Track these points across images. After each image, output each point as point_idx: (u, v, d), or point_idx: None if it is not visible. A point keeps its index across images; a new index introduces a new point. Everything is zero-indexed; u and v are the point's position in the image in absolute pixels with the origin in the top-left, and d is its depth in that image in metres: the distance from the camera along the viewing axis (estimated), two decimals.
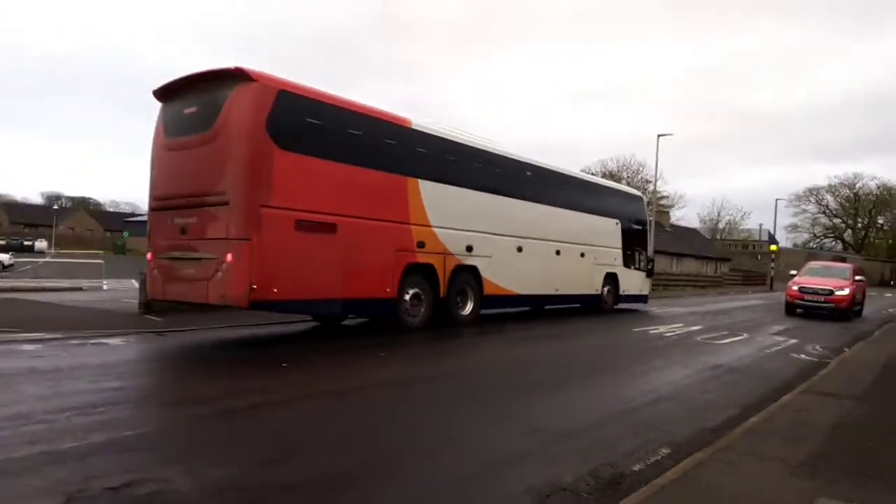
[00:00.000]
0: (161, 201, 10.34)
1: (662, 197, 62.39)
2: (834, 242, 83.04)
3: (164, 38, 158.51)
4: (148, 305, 12.94)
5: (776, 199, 73.81)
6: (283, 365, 8.37)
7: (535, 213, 15.05)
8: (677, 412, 6.77)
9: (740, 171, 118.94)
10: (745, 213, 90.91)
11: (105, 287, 21.29)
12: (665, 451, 5.35)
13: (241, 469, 4.36)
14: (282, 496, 3.96)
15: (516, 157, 14.95)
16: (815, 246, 79.89)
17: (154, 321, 12.03)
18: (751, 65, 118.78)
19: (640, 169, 65.46)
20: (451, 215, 12.50)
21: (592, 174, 50.15)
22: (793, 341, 13.28)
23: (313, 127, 10.02)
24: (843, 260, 68.84)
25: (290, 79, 9.93)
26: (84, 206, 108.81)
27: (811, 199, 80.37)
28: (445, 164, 12.65)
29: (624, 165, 67.80)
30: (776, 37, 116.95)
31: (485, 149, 13.97)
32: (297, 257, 9.53)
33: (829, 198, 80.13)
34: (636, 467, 4.89)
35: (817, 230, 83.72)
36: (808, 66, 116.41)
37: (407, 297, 11.67)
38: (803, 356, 11.42)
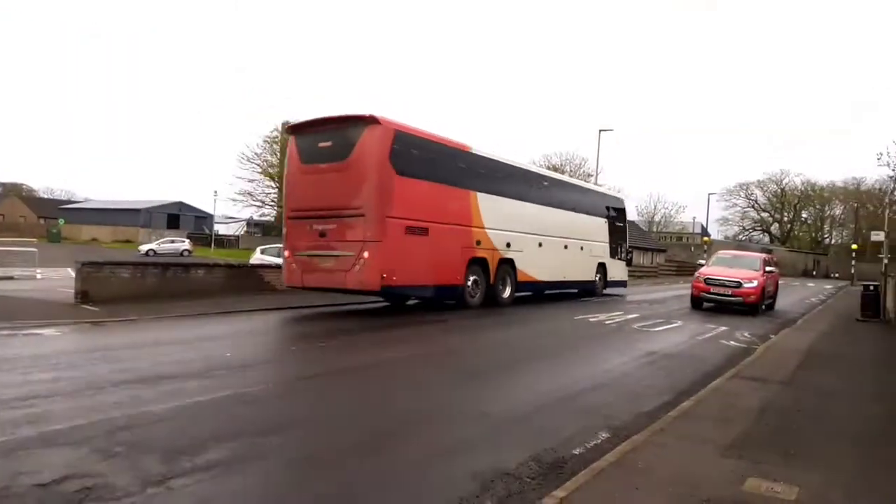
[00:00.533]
0: (299, 212, 13.26)
1: None
2: (762, 235, 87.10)
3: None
4: (85, 294, 12.41)
5: (709, 194, 77.90)
6: (227, 355, 8.20)
7: (549, 215, 18.42)
8: (616, 398, 7.00)
9: (678, 164, 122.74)
10: (679, 206, 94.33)
11: (39, 276, 20.23)
12: (604, 434, 5.53)
13: (176, 465, 4.25)
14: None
15: (536, 170, 19.81)
16: (744, 238, 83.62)
17: (91, 311, 11.55)
18: (682, 63, 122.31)
19: (583, 163, 66.94)
20: (497, 219, 15.69)
21: (538, 167, 54.70)
22: (723, 328, 13.91)
23: (414, 156, 13.14)
24: (769, 252, 72.40)
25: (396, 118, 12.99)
26: (16, 192, 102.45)
27: (741, 193, 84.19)
28: (492, 179, 15.92)
29: (567, 160, 69.14)
30: (728, 36, 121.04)
31: (516, 165, 17.53)
32: (407, 254, 12.67)
33: (757, 193, 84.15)
34: (577, 451, 5.04)
35: (746, 223, 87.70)
36: (725, 64, 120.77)
37: (469, 283, 14.74)
38: (732, 343, 11.98)
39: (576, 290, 20.66)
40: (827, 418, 6.33)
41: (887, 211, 44.96)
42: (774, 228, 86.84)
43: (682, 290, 26.41)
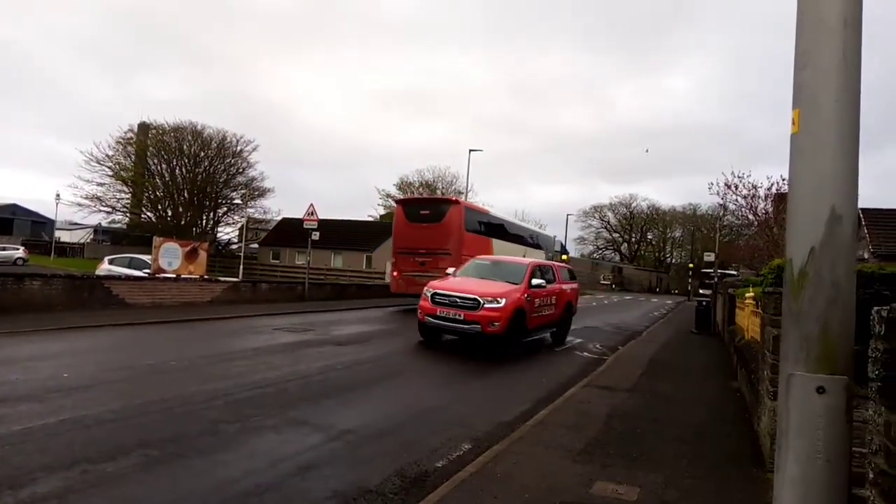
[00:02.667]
0: (405, 250, 21.28)
1: None
2: (613, 254, 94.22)
3: None
4: None
5: (567, 214, 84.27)
6: (64, 375, 7.38)
7: (523, 251, 25.91)
8: (480, 409, 7.20)
9: (540, 185, 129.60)
10: (541, 224, 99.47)
11: None
12: (466, 445, 5.66)
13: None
14: None
15: (518, 223, 29.91)
16: (598, 257, 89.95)
17: None
18: (553, 87, 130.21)
19: (454, 180, 68.87)
20: (500, 253, 21.77)
21: (409, 184, 65.41)
22: (577, 340, 14.84)
23: (472, 220, 21.96)
24: (619, 271, 78.32)
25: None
26: None
27: (595, 215, 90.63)
28: (500, 230, 24.94)
29: (439, 176, 70.75)
30: (575, 64, 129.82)
31: (508, 220, 27.38)
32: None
33: (609, 214, 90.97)
34: (440, 463, 5.12)
35: (600, 243, 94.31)
36: (596, 94, 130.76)
37: None
38: (586, 354, 12.81)
39: None
40: (664, 422, 6.93)
41: (718, 234, 50.52)
42: (624, 248, 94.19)
43: None
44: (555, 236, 44.00)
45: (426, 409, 6.97)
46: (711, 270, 61.37)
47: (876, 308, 1.79)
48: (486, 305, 11.55)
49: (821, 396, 1.82)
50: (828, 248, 1.86)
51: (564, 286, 14.89)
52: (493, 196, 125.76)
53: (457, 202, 21.80)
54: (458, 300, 11.79)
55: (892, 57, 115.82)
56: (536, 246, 30.28)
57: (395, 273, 21.44)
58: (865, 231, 26.21)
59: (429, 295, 12.30)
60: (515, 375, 9.76)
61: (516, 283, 12.54)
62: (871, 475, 1.82)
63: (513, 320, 11.63)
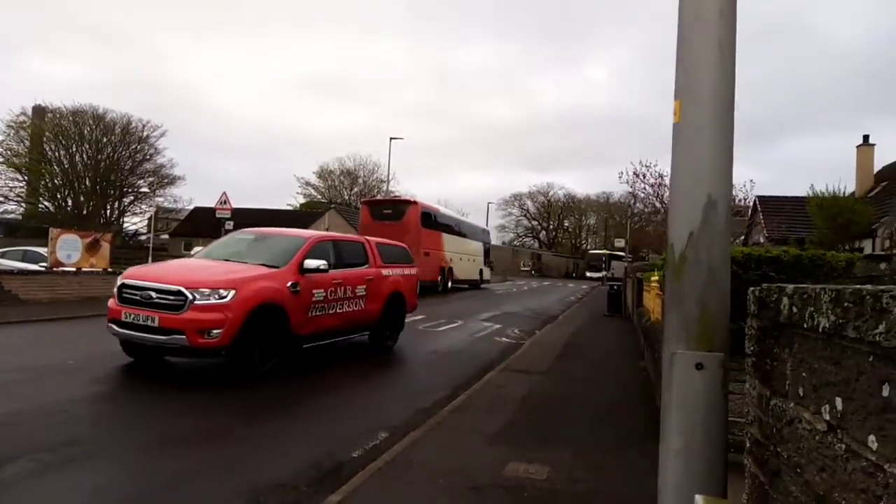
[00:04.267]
0: None
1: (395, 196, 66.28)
2: (532, 241, 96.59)
3: None
4: None
5: (488, 203, 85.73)
6: None
7: (463, 243, 31.31)
8: (397, 397, 7.22)
9: (462, 174, 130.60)
10: (463, 213, 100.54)
11: None
12: (384, 434, 5.67)
13: None
14: None
15: (457, 216, 34.28)
16: (518, 244, 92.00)
17: None
18: (477, 77, 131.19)
19: (376, 169, 68.35)
20: (448, 246, 28.32)
21: (330, 172, 68.62)
22: (497, 326, 15.14)
23: (427, 218, 26.01)
24: (538, 258, 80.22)
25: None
26: None
27: (516, 203, 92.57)
28: (447, 227, 29.20)
29: (361, 164, 70.06)
30: (497, 53, 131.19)
31: (455, 217, 33.04)
32: (424, 265, 21.97)
33: (529, 203, 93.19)
34: (355, 454, 5.09)
35: (520, 230, 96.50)
36: (519, 83, 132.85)
37: (440, 278, 27.04)
38: (504, 339, 13.09)
39: (466, 285, 32.01)
40: (575, 402, 7.20)
41: (629, 222, 52.79)
42: (542, 235, 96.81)
43: (464, 292, 28.27)
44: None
45: (347, 398, 6.89)
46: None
47: (751, 289, 1.92)
48: (199, 302, 7.24)
49: (699, 372, 1.94)
50: (704, 233, 1.98)
51: (388, 271, 10.86)
52: (415, 184, 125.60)
53: (415, 203, 26.21)
54: (155, 295, 7.44)
55: (777, 57, 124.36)
56: (481, 240, 35.90)
57: None
58: (761, 217, 28.17)
59: (115, 289, 8.01)
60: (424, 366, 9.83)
61: (277, 267, 8.39)
62: (747, 444, 1.96)
63: (250, 324, 7.47)
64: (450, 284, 28.29)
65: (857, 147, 26.21)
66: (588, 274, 66.98)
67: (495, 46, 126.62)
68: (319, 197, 69.24)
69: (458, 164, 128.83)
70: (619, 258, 60.38)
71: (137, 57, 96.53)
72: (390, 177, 45.41)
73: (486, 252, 37.26)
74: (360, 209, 27.74)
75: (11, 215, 56.58)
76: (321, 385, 7.69)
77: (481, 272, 35.23)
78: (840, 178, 31.55)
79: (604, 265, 62.47)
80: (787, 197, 28.64)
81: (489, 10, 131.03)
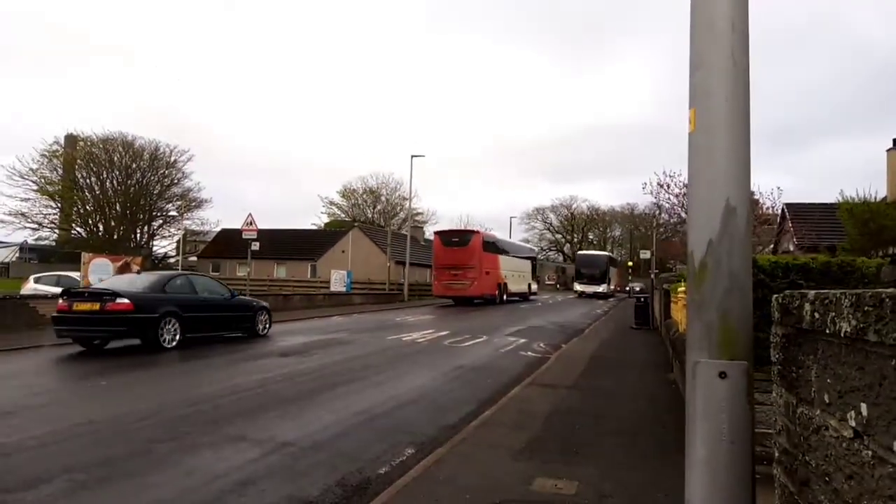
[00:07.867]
0: (443, 266, 31.95)
1: (417, 213, 66.62)
2: (557, 254, 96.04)
3: None
4: None
5: (510, 217, 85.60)
6: None
7: (515, 262, 37.23)
8: (423, 413, 7.20)
9: (484, 188, 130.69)
10: (486, 228, 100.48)
11: None
12: (410, 451, 5.65)
13: None
14: None
15: (512, 242, 43.32)
16: (543, 258, 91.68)
17: None
18: (498, 90, 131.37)
19: (398, 187, 68.94)
20: (504, 266, 34.60)
21: (353, 191, 71.51)
22: (522, 341, 15.04)
23: (487, 244, 33.01)
24: (562, 271, 79.59)
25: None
26: None
27: (538, 217, 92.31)
28: (502, 250, 35.76)
29: (383, 183, 70.69)
30: (519, 67, 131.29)
31: (508, 242, 41.21)
32: (487, 282, 31.86)
33: (552, 216, 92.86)
34: (382, 470, 5.09)
35: (543, 244, 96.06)
36: (539, 95, 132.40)
37: (497, 292, 33.01)
38: (530, 353, 12.99)
39: (518, 298, 37.48)
40: (602, 416, 7.11)
41: (654, 233, 52.24)
42: (567, 248, 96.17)
43: (486, 307, 28.10)
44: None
45: (376, 416, 6.92)
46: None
47: (774, 296, 1.90)
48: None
49: (723, 381, 1.92)
50: (724, 240, 1.96)
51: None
52: (437, 201, 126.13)
53: (478, 232, 34.64)
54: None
55: (788, 65, 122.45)
56: (528, 257, 42.75)
57: (436, 281, 32.73)
58: (790, 224, 27.64)
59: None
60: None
61: None
62: (776, 454, 1.92)
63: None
64: (505, 297, 34.11)
65: (888, 151, 25.61)
66: (577, 287, 50.80)
67: (518, 57, 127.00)
68: (343, 216, 69.92)
69: (481, 178, 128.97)
70: (615, 263, 55.07)
71: (161, 84, 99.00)
72: (412, 194, 45.67)
73: (534, 268, 43.51)
74: (433, 238, 35.60)
75: (46, 242, 58.14)
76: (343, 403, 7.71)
77: (529, 286, 40.76)
78: (871, 183, 30.89)
79: (601, 274, 50.60)
80: (816, 204, 28.10)
81: (510, 20, 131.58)
